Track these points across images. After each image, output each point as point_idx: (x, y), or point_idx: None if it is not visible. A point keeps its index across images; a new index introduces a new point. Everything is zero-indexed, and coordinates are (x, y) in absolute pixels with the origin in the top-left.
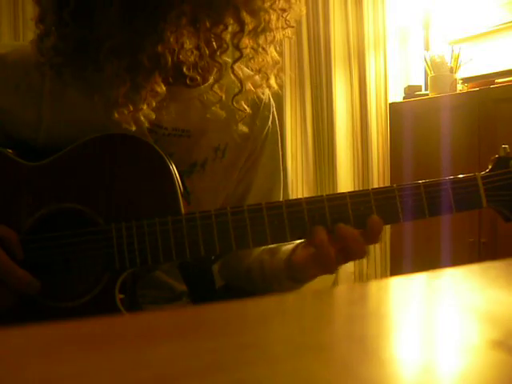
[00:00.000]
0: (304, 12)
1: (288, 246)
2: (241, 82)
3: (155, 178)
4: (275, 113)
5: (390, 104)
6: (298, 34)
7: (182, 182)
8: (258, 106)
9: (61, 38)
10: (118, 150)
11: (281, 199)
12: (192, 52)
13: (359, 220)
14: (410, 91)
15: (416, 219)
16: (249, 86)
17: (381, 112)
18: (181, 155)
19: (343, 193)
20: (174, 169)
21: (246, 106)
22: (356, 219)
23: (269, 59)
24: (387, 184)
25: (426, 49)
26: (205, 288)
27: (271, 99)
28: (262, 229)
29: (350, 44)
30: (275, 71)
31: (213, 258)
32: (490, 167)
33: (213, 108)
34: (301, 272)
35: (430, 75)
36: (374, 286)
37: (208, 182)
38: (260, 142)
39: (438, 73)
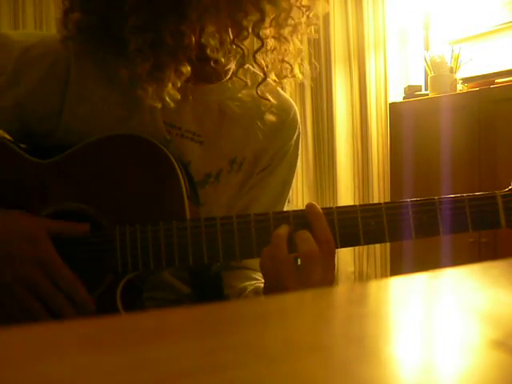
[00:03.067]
0: (328, 9)
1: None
2: (264, 70)
3: (161, 180)
4: (301, 133)
5: (390, 104)
6: None
7: (193, 187)
8: (283, 121)
9: (85, 12)
10: (124, 151)
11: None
12: (214, 35)
13: (369, 235)
14: (410, 91)
15: (429, 236)
16: (272, 75)
17: (381, 112)
18: (196, 165)
19: (354, 206)
20: (182, 171)
21: (270, 97)
22: (366, 234)
23: (291, 48)
24: (387, 184)
25: (426, 49)
26: (212, 294)
27: (298, 118)
28: (267, 239)
29: (350, 44)
30: (299, 60)
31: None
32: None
33: (239, 95)
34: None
35: (429, 75)
36: (373, 285)
37: (221, 196)
38: (277, 159)
39: (437, 73)
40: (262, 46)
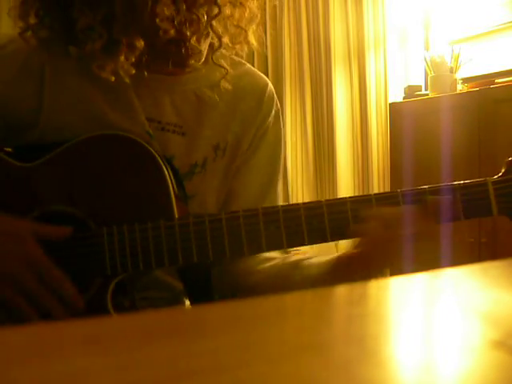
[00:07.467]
0: None
1: (320, 258)
2: (219, 37)
3: (148, 179)
4: (279, 108)
5: (390, 104)
6: (298, 33)
7: (179, 183)
8: (260, 101)
9: (43, 11)
10: (110, 151)
11: (278, 201)
12: (168, 6)
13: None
14: (410, 91)
15: None
16: (226, 41)
17: (381, 112)
18: (181, 157)
19: (344, 198)
20: (168, 170)
21: (225, 64)
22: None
23: (247, 14)
24: (387, 184)
25: (426, 49)
26: (202, 287)
27: (274, 94)
28: (257, 235)
29: (349, 44)
30: (254, 26)
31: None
32: (502, 171)
33: (215, 81)
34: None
35: (429, 75)
36: (373, 286)
37: (210, 183)
38: (257, 139)
39: (437, 73)
40: (220, 12)
